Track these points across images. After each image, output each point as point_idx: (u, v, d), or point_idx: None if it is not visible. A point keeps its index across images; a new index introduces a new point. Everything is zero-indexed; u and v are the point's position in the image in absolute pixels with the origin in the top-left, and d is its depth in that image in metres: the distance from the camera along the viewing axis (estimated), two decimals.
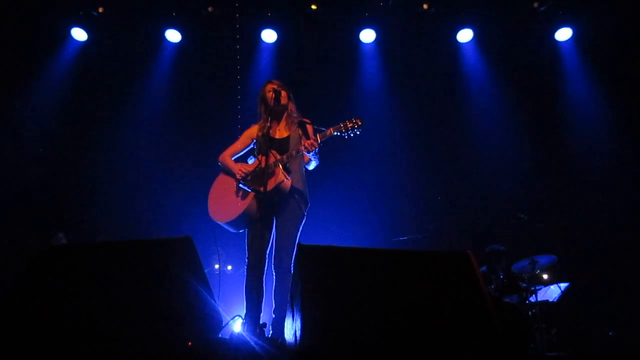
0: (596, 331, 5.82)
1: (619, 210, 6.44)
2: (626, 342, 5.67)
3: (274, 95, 3.79)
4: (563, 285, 5.58)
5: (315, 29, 7.27)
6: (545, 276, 5.74)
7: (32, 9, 6.79)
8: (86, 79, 7.35)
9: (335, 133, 3.67)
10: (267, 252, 3.70)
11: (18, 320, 2.19)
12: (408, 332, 2.09)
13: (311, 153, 3.71)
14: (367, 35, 7.40)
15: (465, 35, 7.33)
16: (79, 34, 7.20)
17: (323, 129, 3.73)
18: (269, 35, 7.39)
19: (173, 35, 7.36)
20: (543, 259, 5.44)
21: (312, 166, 3.93)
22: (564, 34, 7.14)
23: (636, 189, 6.38)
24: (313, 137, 3.72)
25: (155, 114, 7.48)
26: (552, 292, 5.62)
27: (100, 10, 7.09)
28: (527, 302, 5.21)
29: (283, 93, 3.91)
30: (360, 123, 3.65)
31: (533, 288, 5.29)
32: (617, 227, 6.38)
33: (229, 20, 7.16)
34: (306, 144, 3.64)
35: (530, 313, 5.13)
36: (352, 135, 3.67)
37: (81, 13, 7.07)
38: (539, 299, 5.29)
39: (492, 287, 5.37)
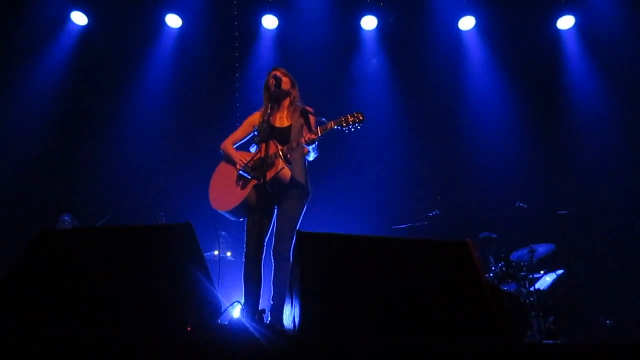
0: (593, 319, 5.85)
1: (618, 199, 6.44)
2: (623, 330, 5.71)
3: (274, 82, 3.78)
4: (560, 272, 5.61)
5: (316, 15, 7.22)
6: (542, 265, 5.77)
7: None
8: (86, 63, 7.31)
9: (336, 127, 3.63)
10: (266, 239, 3.70)
11: (13, 307, 2.20)
12: (406, 319, 2.10)
13: (311, 146, 3.69)
14: (369, 22, 7.35)
15: (466, 23, 7.28)
16: (79, 18, 7.15)
17: (324, 119, 3.70)
18: (269, 21, 7.34)
19: (173, 20, 7.31)
20: (541, 248, 5.46)
21: (311, 157, 3.91)
22: (565, 22, 7.09)
23: (635, 177, 6.38)
24: (314, 128, 3.71)
25: (156, 99, 7.46)
26: (546, 282, 5.66)
27: None
28: (525, 290, 5.24)
29: (285, 79, 3.90)
30: (361, 118, 3.60)
31: (531, 276, 5.32)
32: (615, 216, 6.39)
33: (229, 5, 7.11)
34: (306, 138, 3.63)
35: (527, 301, 5.15)
36: (352, 129, 3.63)
37: None
38: (535, 288, 5.32)
39: (491, 275, 5.40)
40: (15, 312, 2.18)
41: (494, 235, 5.60)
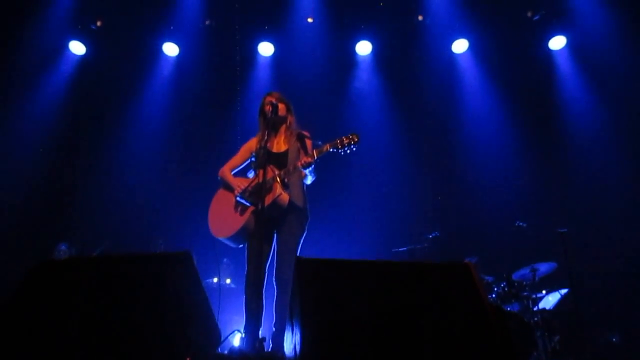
0: (599, 337, 5.79)
1: (619, 215, 6.43)
2: (630, 347, 5.64)
3: (271, 108, 3.80)
4: (563, 291, 5.57)
5: (311, 42, 7.31)
6: (545, 284, 5.73)
7: (30, 22, 6.82)
8: (84, 91, 7.37)
9: (332, 150, 3.64)
10: (267, 265, 3.68)
11: (10, 339, 2.17)
12: (409, 344, 2.07)
13: (307, 169, 3.70)
14: (363, 48, 7.45)
15: (460, 46, 7.37)
16: (77, 48, 7.24)
17: (320, 142, 3.72)
18: (265, 49, 7.43)
19: (171, 49, 7.41)
20: (543, 267, 5.43)
21: (308, 181, 3.91)
22: (557, 43, 7.19)
23: (634, 194, 6.38)
24: (310, 151, 3.72)
25: (154, 126, 7.50)
26: (549, 301, 5.61)
27: (99, 23, 7.16)
28: (529, 310, 5.19)
29: (281, 105, 3.92)
30: (356, 139, 3.61)
31: (534, 296, 5.27)
32: (616, 232, 6.37)
33: (226, 34, 7.21)
34: (302, 161, 3.64)
35: (532, 321, 5.10)
36: (348, 151, 3.63)
37: (79, 26, 7.13)
38: (539, 307, 5.28)
39: (493, 296, 5.35)
40: (12, 344, 2.15)
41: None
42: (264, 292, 3.47)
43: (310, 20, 7.13)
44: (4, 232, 6.37)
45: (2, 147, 6.76)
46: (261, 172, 3.46)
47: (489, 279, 5.53)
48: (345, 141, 3.61)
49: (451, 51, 7.44)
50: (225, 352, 2.87)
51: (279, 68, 7.54)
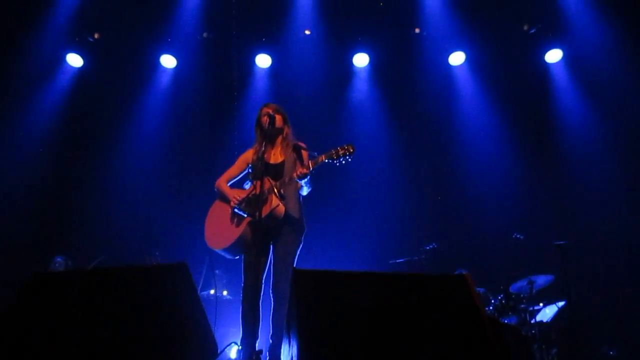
0: (597, 350, 5.77)
1: (616, 227, 6.43)
2: None
3: (268, 120, 3.81)
4: (561, 304, 5.56)
5: (309, 54, 7.35)
6: (542, 296, 5.72)
7: (28, 34, 6.83)
8: (81, 104, 7.37)
9: (327, 160, 3.62)
10: (263, 277, 3.67)
11: (4, 353, 2.14)
12: (406, 356, 2.06)
13: (303, 180, 3.69)
14: (361, 60, 7.49)
15: (457, 58, 7.42)
16: (75, 60, 7.25)
17: (316, 154, 3.72)
18: (263, 60, 7.47)
19: (168, 61, 7.43)
20: (541, 279, 5.42)
21: (304, 192, 3.91)
22: (554, 56, 7.24)
23: (632, 206, 6.39)
24: (306, 163, 3.73)
25: (151, 138, 7.50)
26: (546, 313, 5.60)
27: (96, 36, 7.19)
28: (526, 322, 5.17)
29: (277, 117, 3.93)
30: (352, 150, 3.59)
31: (532, 308, 5.26)
32: (614, 244, 6.37)
33: (224, 46, 7.25)
34: (297, 172, 3.64)
35: (529, 334, 5.08)
36: (343, 162, 3.61)
37: (77, 39, 7.15)
38: (536, 320, 5.26)
39: (490, 308, 5.34)
40: (7, 358, 2.13)
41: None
42: (261, 304, 3.45)
43: (307, 32, 7.17)
44: (0, 244, 6.33)
45: (0, 158, 6.75)
46: (258, 183, 3.46)
47: (482, 290, 5.51)
48: (341, 152, 3.61)
49: (448, 63, 7.48)
50: None
51: (277, 80, 7.57)
